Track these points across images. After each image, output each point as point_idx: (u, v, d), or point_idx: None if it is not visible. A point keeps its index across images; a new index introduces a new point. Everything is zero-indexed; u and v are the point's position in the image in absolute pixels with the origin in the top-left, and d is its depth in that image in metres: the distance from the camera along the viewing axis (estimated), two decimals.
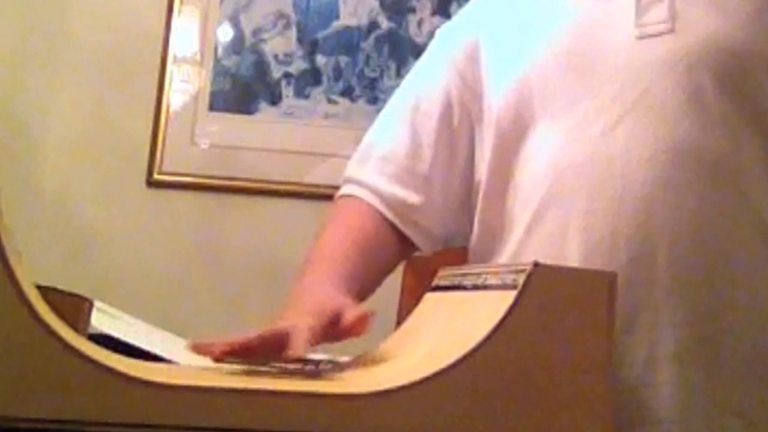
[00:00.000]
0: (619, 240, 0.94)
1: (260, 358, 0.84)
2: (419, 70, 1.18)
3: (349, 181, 1.15)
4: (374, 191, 1.11)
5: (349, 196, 1.14)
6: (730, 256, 0.93)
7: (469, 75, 1.11)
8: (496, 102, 1.07)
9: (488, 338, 0.73)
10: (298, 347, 0.83)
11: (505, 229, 1.04)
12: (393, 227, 1.11)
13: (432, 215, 1.11)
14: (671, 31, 0.97)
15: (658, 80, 0.96)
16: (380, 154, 1.13)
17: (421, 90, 1.15)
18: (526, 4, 1.09)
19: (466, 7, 1.19)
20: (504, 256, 1.04)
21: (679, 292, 0.92)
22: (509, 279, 0.77)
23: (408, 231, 1.11)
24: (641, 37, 0.98)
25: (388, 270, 1.12)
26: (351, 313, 0.88)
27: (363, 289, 1.04)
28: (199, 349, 0.84)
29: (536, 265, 0.76)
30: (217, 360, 0.84)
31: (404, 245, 1.12)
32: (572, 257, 0.95)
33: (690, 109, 0.95)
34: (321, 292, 0.97)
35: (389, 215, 1.11)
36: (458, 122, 1.11)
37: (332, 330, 0.88)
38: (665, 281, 0.92)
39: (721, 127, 0.95)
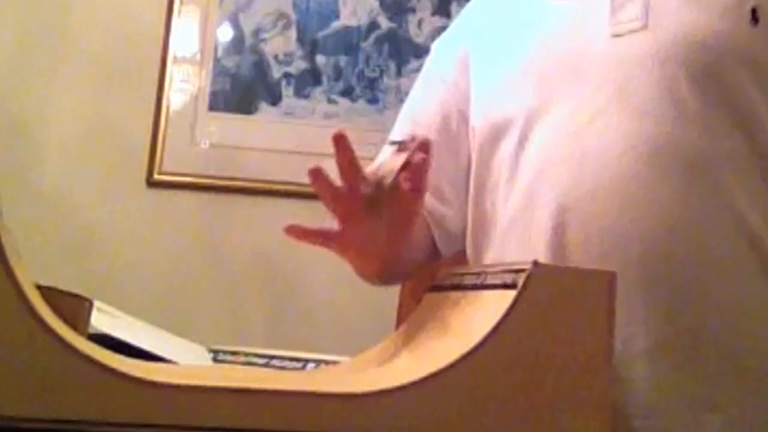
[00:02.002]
0: (591, 236, 0.94)
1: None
2: (416, 87, 1.21)
3: None
4: None
5: None
6: (705, 251, 0.93)
7: (462, 83, 1.13)
8: (480, 107, 1.08)
9: (488, 338, 0.73)
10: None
11: (490, 228, 1.05)
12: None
13: (443, 214, 1.12)
14: (644, 27, 0.98)
15: (632, 77, 0.96)
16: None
17: (419, 104, 1.18)
18: (511, 10, 1.11)
19: (457, 18, 1.22)
20: (489, 255, 1.05)
21: (652, 287, 0.92)
22: (509, 279, 0.78)
23: (437, 233, 1.11)
24: (616, 35, 0.99)
25: (420, 260, 1.12)
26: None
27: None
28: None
29: (536, 264, 0.76)
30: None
31: (428, 242, 1.12)
32: (547, 254, 0.95)
33: (664, 105, 0.95)
34: None
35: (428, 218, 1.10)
36: (457, 128, 1.13)
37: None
38: (638, 276, 0.92)
39: (697, 122, 0.95)
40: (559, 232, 0.96)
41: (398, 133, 1.17)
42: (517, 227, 1.01)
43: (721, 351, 0.92)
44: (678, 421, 0.91)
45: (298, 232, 0.90)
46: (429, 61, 1.21)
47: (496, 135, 1.05)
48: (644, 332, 0.92)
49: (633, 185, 0.93)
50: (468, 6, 1.20)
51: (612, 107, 0.96)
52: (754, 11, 0.96)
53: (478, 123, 1.08)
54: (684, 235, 0.93)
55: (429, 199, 1.10)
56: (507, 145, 1.04)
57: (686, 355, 0.92)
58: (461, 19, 1.20)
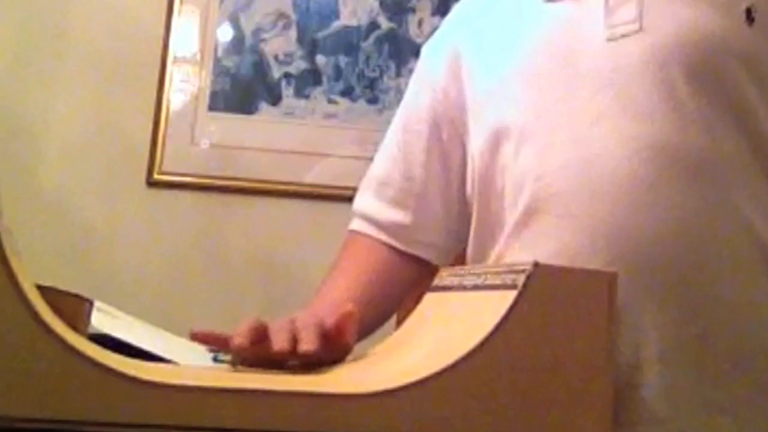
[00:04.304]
0: (598, 242, 0.93)
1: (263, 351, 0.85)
2: (408, 92, 1.21)
3: (354, 213, 1.20)
4: (372, 221, 1.16)
5: (355, 232, 1.18)
6: (712, 254, 0.93)
7: (452, 89, 1.12)
8: (477, 110, 1.08)
9: (488, 338, 0.73)
10: (309, 344, 0.84)
11: (494, 234, 1.05)
12: (400, 252, 1.15)
13: (432, 230, 1.15)
14: (640, 30, 0.97)
15: (631, 80, 0.96)
16: (378, 180, 1.18)
17: (410, 111, 1.18)
18: (504, 11, 1.10)
19: (446, 21, 1.21)
20: (492, 260, 1.05)
21: (660, 292, 0.92)
22: (509, 279, 0.77)
23: (413, 251, 1.15)
24: (611, 39, 0.98)
25: (404, 294, 1.16)
26: (336, 316, 0.90)
27: (362, 329, 1.05)
28: (199, 338, 0.87)
29: (536, 265, 0.76)
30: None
31: (418, 264, 1.16)
32: (554, 261, 0.94)
33: (664, 107, 0.95)
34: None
35: (391, 241, 1.15)
36: (447, 137, 1.13)
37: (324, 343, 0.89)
38: (646, 282, 0.92)
39: (697, 123, 0.94)
40: (566, 237, 0.95)
41: (391, 140, 1.19)
42: (523, 232, 1.00)
43: (732, 354, 0.92)
44: (691, 426, 0.91)
45: (201, 337, 0.89)
46: (419, 65, 1.21)
47: (495, 140, 1.04)
48: (656, 337, 0.91)
49: (639, 190, 0.93)
50: (458, 6, 1.20)
51: (612, 111, 0.96)
52: (748, 11, 0.96)
53: (477, 128, 1.08)
54: (691, 238, 0.92)
55: (404, 215, 1.14)
56: (507, 150, 1.03)
57: (698, 359, 0.91)
58: (451, 20, 1.19)
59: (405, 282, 1.15)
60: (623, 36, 0.98)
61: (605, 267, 0.90)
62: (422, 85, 1.17)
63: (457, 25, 1.17)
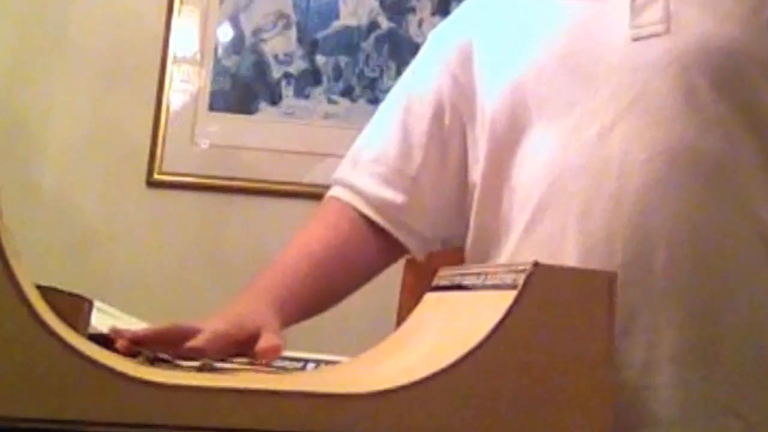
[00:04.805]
0: (615, 242, 0.93)
1: (159, 348, 0.89)
2: (411, 73, 1.19)
3: (338, 182, 1.16)
4: (360, 193, 1.12)
5: (335, 198, 1.15)
6: (728, 257, 0.93)
7: (461, 76, 1.11)
8: (490, 104, 1.07)
9: (488, 338, 0.73)
10: (196, 341, 0.87)
11: (501, 231, 1.04)
12: (378, 230, 1.12)
13: (421, 216, 1.12)
14: (666, 32, 0.97)
15: (653, 82, 0.96)
16: (371, 156, 1.14)
17: (413, 92, 1.15)
18: (521, 6, 1.09)
19: (459, 10, 1.19)
20: (501, 259, 1.04)
21: (676, 293, 0.92)
22: (509, 279, 0.77)
23: (395, 232, 1.12)
24: (636, 39, 0.98)
25: (366, 274, 1.13)
26: (264, 340, 0.91)
27: (312, 306, 1.07)
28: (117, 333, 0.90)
29: (536, 265, 0.76)
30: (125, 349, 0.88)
31: (390, 248, 1.13)
32: (569, 260, 0.94)
33: (685, 110, 0.95)
34: (249, 307, 1.01)
35: (375, 217, 1.11)
36: (450, 124, 1.12)
37: (248, 345, 0.91)
38: (662, 283, 0.92)
39: (717, 128, 0.94)
40: (582, 238, 0.95)
41: (388, 118, 1.16)
42: (537, 231, 1.00)
43: (745, 357, 0.92)
44: (701, 427, 0.91)
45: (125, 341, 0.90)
46: (426, 49, 1.19)
47: (511, 137, 1.03)
48: (669, 338, 0.92)
49: (657, 192, 0.93)
50: None
51: (633, 113, 0.96)
52: None
53: (487, 124, 1.06)
54: (707, 241, 0.93)
55: (394, 194, 1.11)
56: (522, 149, 1.02)
57: (710, 362, 0.92)
58: (465, 10, 1.17)
59: (373, 263, 1.13)
60: (649, 37, 0.97)
61: (622, 267, 0.90)
62: (430, 68, 1.15)
63: (470, 16, 1.15)
